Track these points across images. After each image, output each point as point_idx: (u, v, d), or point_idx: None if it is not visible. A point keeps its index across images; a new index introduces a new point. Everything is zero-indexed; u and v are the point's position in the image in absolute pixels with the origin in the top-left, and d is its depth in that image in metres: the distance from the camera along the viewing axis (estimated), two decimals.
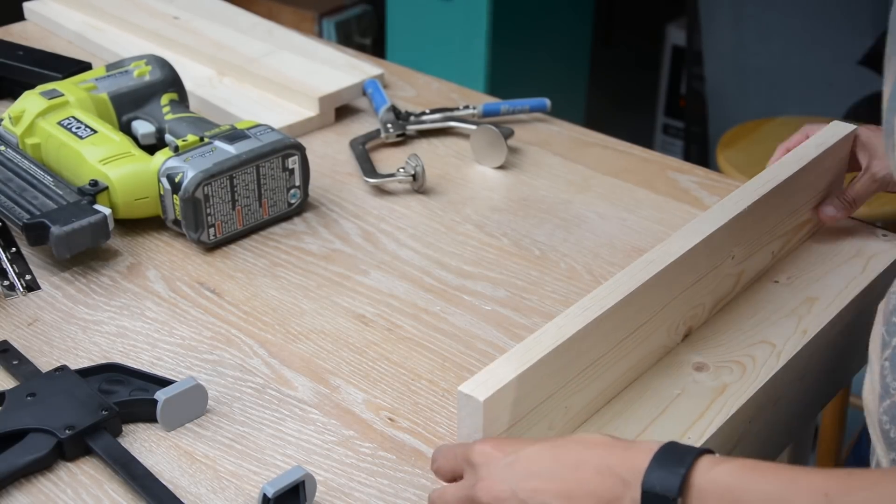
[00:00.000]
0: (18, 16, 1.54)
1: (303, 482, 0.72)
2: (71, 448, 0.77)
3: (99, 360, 0.88)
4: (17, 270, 0.98)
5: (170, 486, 0.75)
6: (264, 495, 0.71)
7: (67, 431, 0.77)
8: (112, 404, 0.79)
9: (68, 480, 0.76)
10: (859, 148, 1.00)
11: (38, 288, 0.97)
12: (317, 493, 0.75)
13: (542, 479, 0.62)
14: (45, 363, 0.86)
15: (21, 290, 0.96)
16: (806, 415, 0.97)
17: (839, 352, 0.96)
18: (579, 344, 0.73)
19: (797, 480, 0.58)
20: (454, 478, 0.68)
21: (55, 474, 0.77)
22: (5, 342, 0.88)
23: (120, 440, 0.80)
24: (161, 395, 0.80)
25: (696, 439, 0.76)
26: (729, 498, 0.58)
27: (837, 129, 0.99)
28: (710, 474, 0.59)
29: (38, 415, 0.78)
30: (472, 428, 0.69)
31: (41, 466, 0.77)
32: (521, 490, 0.62)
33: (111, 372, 0.84)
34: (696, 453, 0.60)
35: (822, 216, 1.00)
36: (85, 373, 0.83)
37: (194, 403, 0.82)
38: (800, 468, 0.60)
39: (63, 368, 0.83)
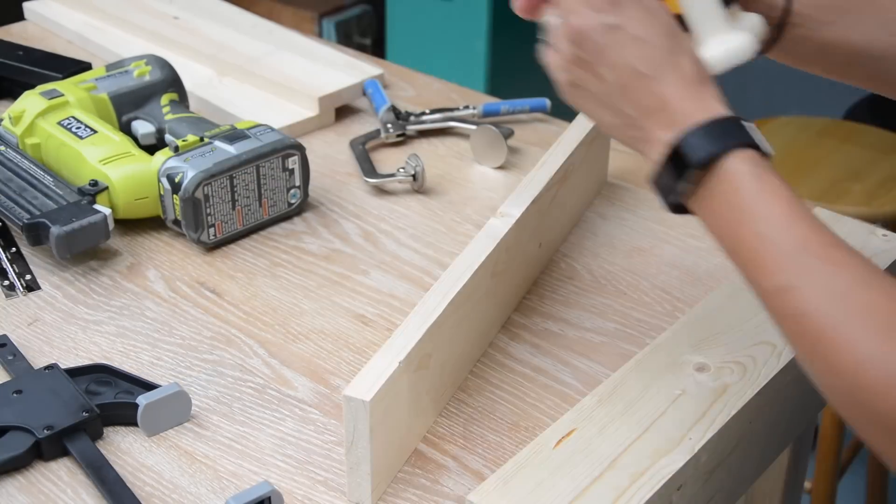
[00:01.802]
0: (18, 16, 1.54)
1: (268, 498, 0.72)
2: (48, 448, 0.77)
3: (99, 360, 0.87)
4: (17, 270, 0.98)
5: (170, 486, 0.75)
6: None
7: (46, 431, 0.77)
8: (94, 406, 0.79)
9: (68, 480, 0.76)
10: None
11: (38, 288, 0.97)
12: (317, 493, 0.75)
13: (628, 50, 0.65)
14: (44, 364, 0.86)
15: (21, 290, 0.96)
16: (806, 415, 0.97)
17: None
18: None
19: (793, 225, 0.60)
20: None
21: (55, 474, 0.77)
22: (4, 336, 0.88)
23: (120, 438, 0.79)
24: (143, 399, 0.79)
25: (697, 440, 0.76)
26: (734, 201, 0.59)
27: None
28: (737, 166, 0.60)
29: (21, 412, 0.78)
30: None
31: (18, 465, 0.76)
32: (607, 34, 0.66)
33: (100, 373, 0.84)
34: (742, 143, 0.61)
35: None
36: (75, 372, 0.83)
37: (177, 409, 0.81)
38: (809, 218, 0.61)
39: (52, 367, 0.83)
